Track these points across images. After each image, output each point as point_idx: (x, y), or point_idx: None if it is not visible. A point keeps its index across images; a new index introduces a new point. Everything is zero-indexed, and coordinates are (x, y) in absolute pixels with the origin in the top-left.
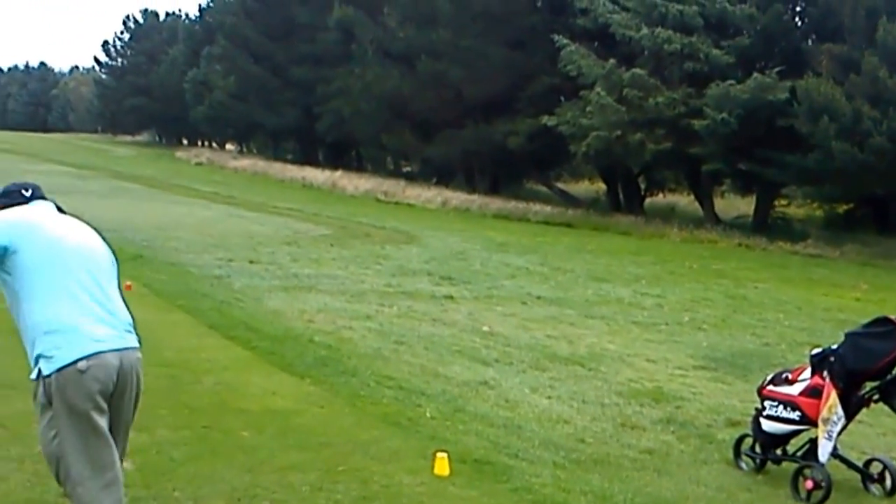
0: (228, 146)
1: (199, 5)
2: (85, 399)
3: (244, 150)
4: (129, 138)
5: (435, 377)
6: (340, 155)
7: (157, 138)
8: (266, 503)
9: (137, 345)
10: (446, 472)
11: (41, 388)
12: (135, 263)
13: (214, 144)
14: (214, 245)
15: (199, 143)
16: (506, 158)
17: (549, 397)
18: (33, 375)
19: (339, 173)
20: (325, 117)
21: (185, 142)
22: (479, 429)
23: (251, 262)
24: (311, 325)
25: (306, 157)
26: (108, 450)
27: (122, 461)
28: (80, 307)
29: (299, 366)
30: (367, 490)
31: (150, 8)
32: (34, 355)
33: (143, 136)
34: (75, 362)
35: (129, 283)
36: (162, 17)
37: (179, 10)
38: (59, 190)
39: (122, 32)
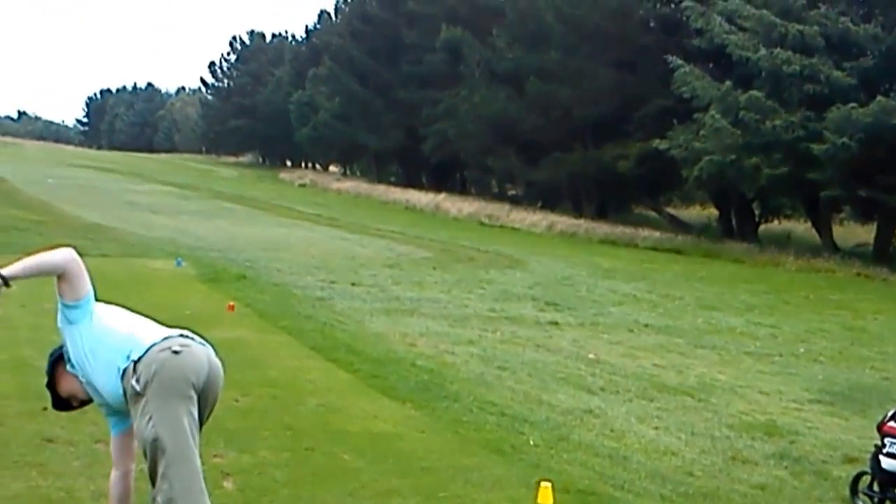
0: (332, 168)
1: (306, 26)
2: (179, 380)
3: (347, 172)
4: (232, 159)
5: (539, 404)
6: (444, 177)
7: (261, 159)
8: None
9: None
10: (550, 501)
11: (133, 377)
12: (238, 284)
13: (318, 166)
14: (317, 266)
15: (303, 164)
16: (614, 182)
17: (657, 428)
18: (123, 366)
19: (442, 196)
20: (429, 139)
21: (288, 163)
22: (584, 458)
23: (353, 284)
24: (414, 348)
25: (409, 180)
26: (196, 447)
27: None
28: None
29: (401, 390)
30: None
31: (257, 29)
32: (124, 356)
33: (246, 157)
34: (168, 345)
35: (231, 303)
36: (268, 38)
37: (286, 32)
38: (163, 210)
39: (228, 53)
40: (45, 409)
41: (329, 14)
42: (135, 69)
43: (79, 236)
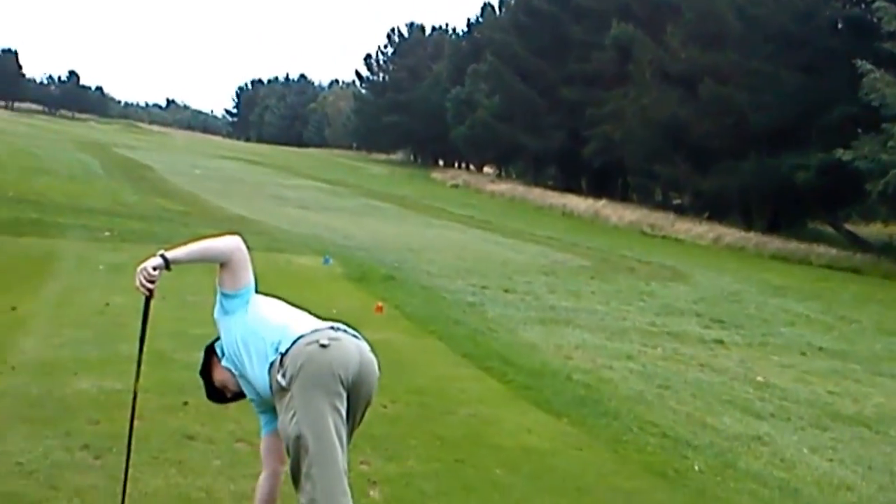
0: (486, 169)
1: (468, 20)
2: (326, 374)
3: (502, 174)
4: (383, 156)
5: (703, 427)
6: (605, 183)
7: (413, 157)
8: None
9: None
10: None
11: (279, 371)
12: (386, 285)
13: (472, 167)
14: (468, 270)
15: (456, 164)
16: (789, 194)
17: (831, 460)
18: (272, 358)
19: (602, 202)
20: (592, 142)
21: (440, 162)
22: (753, 488)
23: (506, 290)
24: (569, 361)
25: (568, 184)
26: (342, 448)
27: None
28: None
29: (556, 404)
30: None
31: (417, 22)
32: (273, 348)
33: (398, 155)
34: (315, 338)
35: (380, 303)
36: (428, 31)
37: (447, 25)
38: (311, 205)
39: (385, 46)
40: (186, 404)
41: (493, 7)
42: (288, 60)
43: (223, 228)
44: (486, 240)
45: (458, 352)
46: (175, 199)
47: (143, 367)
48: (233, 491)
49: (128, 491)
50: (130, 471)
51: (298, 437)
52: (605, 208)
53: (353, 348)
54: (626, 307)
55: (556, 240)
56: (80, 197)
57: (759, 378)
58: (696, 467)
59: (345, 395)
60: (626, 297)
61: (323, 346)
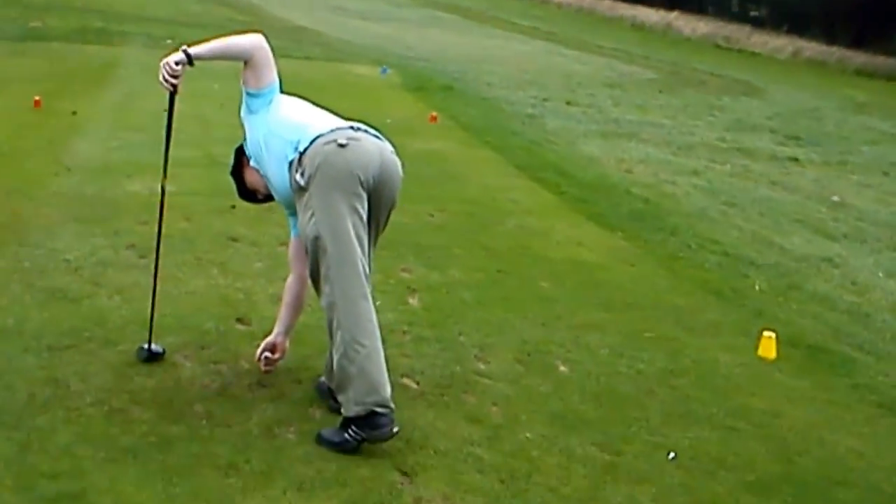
0: None
1: None
2: (344, 175)
3: None
4: None
5: (769, 246)
6: None
7: None
8: (558, 361)
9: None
10: (772, 354)
11: (297, 170)
12: (444, 95)
13: None
14: (529, 82)
15: None
16: (878, 5)
17: None
18: (291, 157)
19: (674, 14)
20: None
21: None
22: (817, 311)
23: (568, 102)
24: (629, 175)
25: None
26: (363, 250)
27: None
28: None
29: (611, 217)
30: (676, 363)
31: None
32: (292, 147)
33: None
34: (334, 138)
35: (434, 113)
36: None
37: None
38: (372, 17)
39: None
40: (234, 207)
41: None
42: None
43: (284, 38)
44: (550, 51)
45: (513, 163)
46: (237, 10)
47: (193, 170)
48: (271, 294)
49: (170, 290)
50: (173, 271)
51: (316, 238)
52: (678, 20)
53: (374, 149)
54: (695, 122)
55: (624, 52)
56: (145, 7)
57: (835, 198)
58: (757, 287)
59: (365, 196)
60: (696, 111)
61: (341, 145)
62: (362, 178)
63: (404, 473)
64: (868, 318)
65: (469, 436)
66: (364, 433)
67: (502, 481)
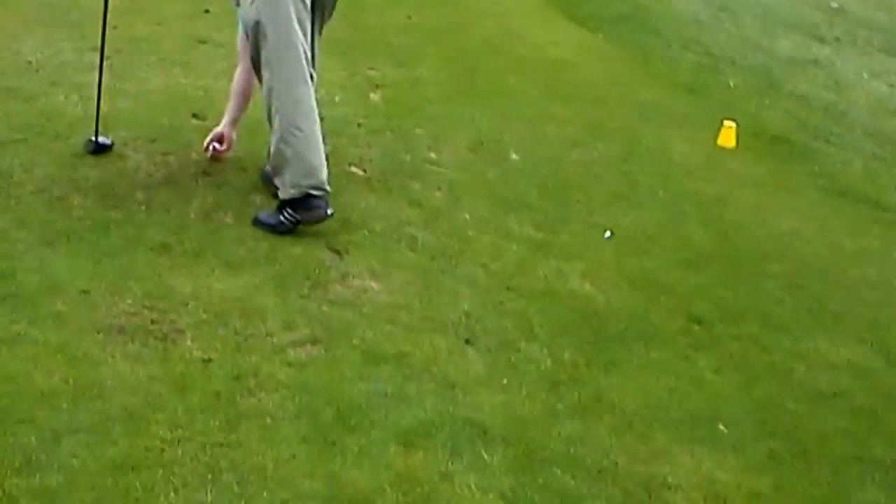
0: None
1: None
2: None
3: None
4: None
5: (756, 50)
6: None
7: None
8: (511, 150)
9: None
10: (732, 143)
11: None
12: None
13: None
14: None
15: None
16: None
17: (892, 85)
18: None
19: None
20: None
21: None
22: (791, 107)
23: None
24: None
25: None
26: (305, 36)
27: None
28: None
29: (595, 20)
30: (631, 151)
31: None
32: None
33: None
34: None
35: None
36: None
37: None
38: None
39: None
40: (207, 11)
41: None
42: None
43: None
44: None
45: None
46: None
47: None
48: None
49: (129, 88)
50: (136, 70)
51: (257, 24)
52: None
53: None
54: None
55: None
56: None
57: (834, 4)
58: (732, 84)
59: None
60: None
61: None
62: None
63: (336, 251)
64: (843, 115)
65: (407, 217)
66: (299, 215)
67: (433, 258)
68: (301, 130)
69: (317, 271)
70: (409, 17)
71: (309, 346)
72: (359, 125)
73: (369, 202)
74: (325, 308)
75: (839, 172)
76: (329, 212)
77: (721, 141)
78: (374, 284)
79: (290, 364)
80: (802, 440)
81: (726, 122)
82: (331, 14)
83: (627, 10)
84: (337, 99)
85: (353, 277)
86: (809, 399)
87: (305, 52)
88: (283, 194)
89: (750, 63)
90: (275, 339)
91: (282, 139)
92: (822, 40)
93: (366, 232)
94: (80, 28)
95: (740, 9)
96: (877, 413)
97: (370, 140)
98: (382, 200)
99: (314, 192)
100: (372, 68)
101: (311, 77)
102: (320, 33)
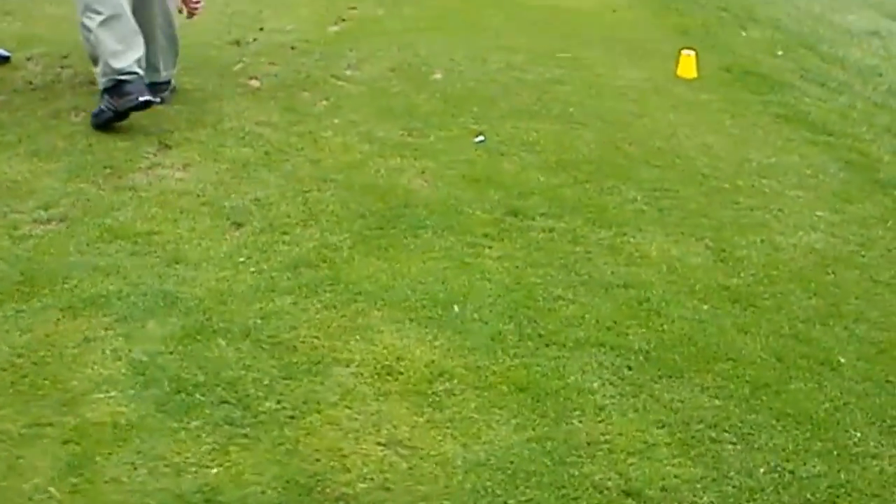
0: None
1: None
2: None
3: None
4: None
5: (816, 21)
6: None
7: None
8: (438, 71)
9: None
10: (692, 74)
11: None
12: None
13: None
14: None
15: None
16: None
17: None
18: None
19: None
20: None
21: None
22: (802, 56)
23: None
24: None
25: None
26: None
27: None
28: None
29: None
30: (570, 76)
31: None
32: None
33: None
34: None
35: None
36: None
37: None
38: None
39: None
40: None
41: None
42: None
43: None
44: None
45: None
46: None
47: None
48: None
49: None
50: None
51: None
52: None
53: None
54: None
55: None
56: None
57: None
58: (744, 33)
59: None
60: None
61: None
62: None
63: (166, 145)
64: (863, 67)
65: (269, 120)
66: (114, 103)
67: (267, 153)
68: (98, 13)
69: (128, 161)
70: None
71: (54, 224)
72: (292, 48)
73: (239, 107)
74: (101, 192)
75: (808, 106)
76: (144, 99)
77: (680, 71)
78: (179, 174)
79: (12, 237)
80: (542, 323)
81: (684, 52)
82: None
83: None
84: (289, 28)
85: (163, 168)
86: (580, 286)
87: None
88: (99, 84)
89: (795, 28)
90: (18, 215)
91: (82, 25)
92: (890, 16)
93: (211, 129)
94: None
95: None
96: (658, 307)
97: (290, 59)
98: (255, 106)
99: (124, 78)
100: (353, 8)
101: None
102: None
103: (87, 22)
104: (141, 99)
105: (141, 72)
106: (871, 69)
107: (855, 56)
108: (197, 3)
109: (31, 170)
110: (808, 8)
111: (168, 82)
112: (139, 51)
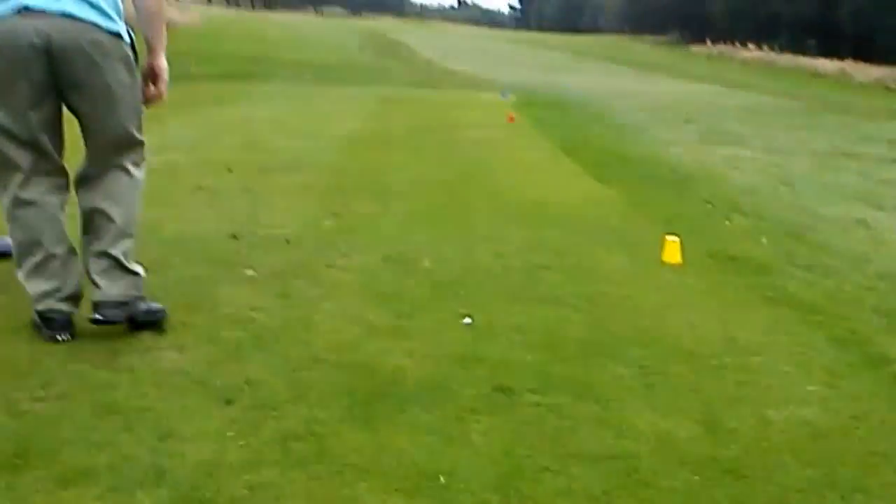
0: (750, 46)
1: None
2: None
3: (762, 47)
4: (651, 38)
5: (799, 211)
6: (860, 46)
7: (679, 37)
8: (427, 259)
9: (102, 21)
10: (677, 259)
11: None
12: (544, 108)
13: (737, 43)
14: (660, 108)
15: (723, 41)
16: None
17: None
18: None
19: (847, 62)
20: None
21: (707, 42)
22: (783, 241)
23: (687, 121)
24: (692, 162)
25: (823, 51)
26: (31, 145)
27: (113, 210)
28: None
29: (618, 178)
30: (558, 262)
31: None
32: None
33: (666, 37)
34: None
35: (512, 114)
36: None
37: None
38: (543, 67)
39: None
40: None
41: None
42: None
43: (432, 77)
44: (707, 91)
45: (559, 146)
46: (408, 63)
47: None
48: None
49: None
50: None
51: None
52: (852, 67)
53: (25, 30)
54: (815, 135)
55: (783, 92)
56: (314, 58)
57: None
58: (729, 223)
59: (21, 83)
60: (824, 128)
61: None
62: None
63: (162, 330)
64: (853, 255)
65: (264, 305)
66: (42, 330)
67: (258, 337)
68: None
69: (126, 344)
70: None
71: (51, 401)
72: (287, 241)
73: (234, 294)
74: (98, 371)
75: (795, 288)
76: (62, 337)
77: (665, 257)
78: (174, 355)
79: (11, 413)
80: (529, 494)
81: (668, 237)
82: (110, 117)
83: (666, 174)
84: (284, 223)
85: (158, 349)
86: (568, 458)
87: (29, 164)
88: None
89: (778, 217)
90: (18, 394)
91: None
92: (879, 207)
93: (206, 314)
94: None
95: (804, 185)
96: (647, 478)
97: (284, 251)
98: (250, 293)
99: (49, 315)
100: (346, 205)
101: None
102: (100, 138)
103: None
104: (61, 338)
105: (66, 308)
106: (858, 255)
107: (841, 243)
108: (156, 95)
109: (32, 351)
110: (792, 200)
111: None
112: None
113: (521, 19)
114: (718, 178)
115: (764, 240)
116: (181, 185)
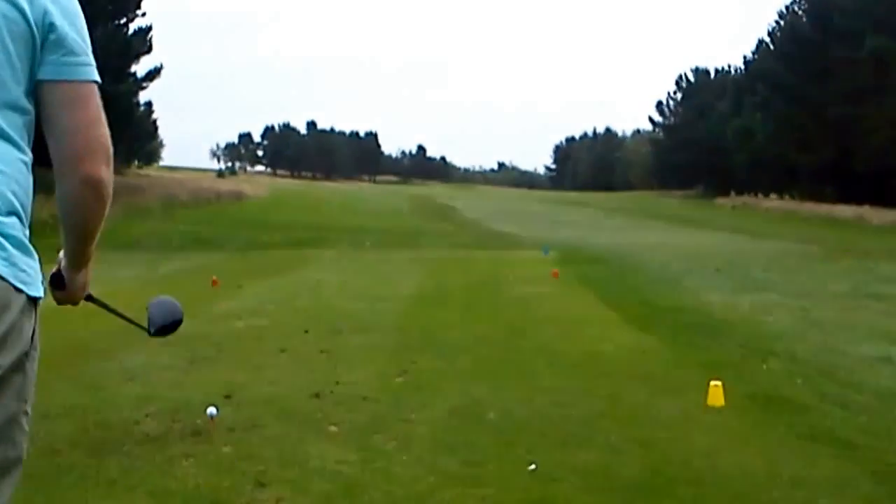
0: (772, 196)
1: (744, 56)
2: None
3: (784, 196)
4: (679, 192)
5: (830, 352)
6: (878, 190)
7: (704, 190)
8: (492, 412)
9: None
10: (720, 402)
11: None
12: (585, 263)
13: (759, 195)
14: (687, 257)
15: (745, 192)
16: None
17: None
18: None
19: (866, 207)
20: (861, 152)
21: (731, 193)
22: (821, 383)
23: (717, 270)
24: (725, 308)
25: (841, 196)
26: None
27: None
28: None
29: (659, 327)
30: (611, 409)
31: (701, 66)
32: None
33: (693, 190)
34: None
35: (556, 270)
36: (712, 74)
37: (728, 66)
38: (577, 225)
39: (674, 92)
40: None
41: (766, 42)
42: (595, 117)
43: (479, 238)
44: (732, 241)
45: (600, 296)
46: (458, 225)
47: None
48: None
49: None
50: None
51: None
52: (869, 212)
53: None
54: (840, 279)
55: (806, 238)
56: (371, 224)
57: None
58: (766, 367)
59: None
60: (847, 272)
61: None
62: None
63: (261, 484)
64: (881, 391)
65: (345, 458)
66: None
67: (347, 487)
68: None
69: (229, 498)
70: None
71: None
72: (364, 398)
73: (321, 449)
74: None
75: (831, 425)
76: None
77: (710, 400)
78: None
79: None
80: None
81: (712, 382)
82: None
83: (704, 321)
84: (360, 380)
85: (257, 502)
86: None
87: None
88: None
89: (812, 359)
90: None
91: None
92: None
93: (298, 469)
94: None
95: (833, 327)
96: None
97: (363, 407)
98: (335, 448)
99: None
100: (414, 362)
101: None
102: None
103: None
104: None
105: None
106: (887, 391)
107: (871, 381)
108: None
109: None
110: (821, 341)
111: None
112: None
113: (557, 178)
114: (751, 323)
115: (799, 380)
116: (266, 347)
